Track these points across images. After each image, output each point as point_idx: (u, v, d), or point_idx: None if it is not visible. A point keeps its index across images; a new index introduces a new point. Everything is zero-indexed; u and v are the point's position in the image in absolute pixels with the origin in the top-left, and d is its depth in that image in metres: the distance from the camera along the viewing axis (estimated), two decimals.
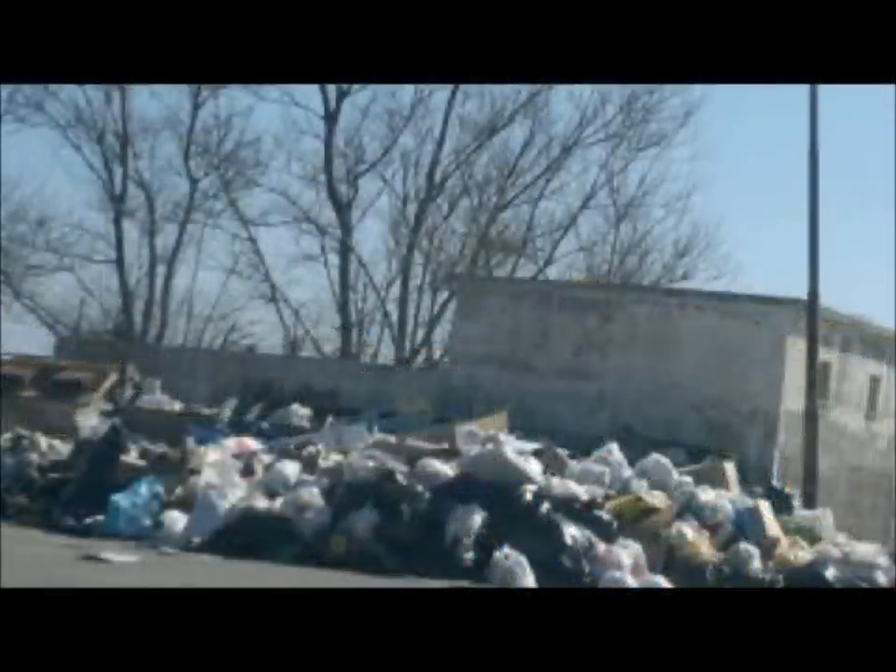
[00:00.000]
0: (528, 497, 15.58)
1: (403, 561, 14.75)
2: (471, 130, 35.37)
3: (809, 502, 19.68)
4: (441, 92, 34.79)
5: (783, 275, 48.74)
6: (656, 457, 18.01)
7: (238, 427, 20.10)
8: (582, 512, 15.68)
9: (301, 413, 21.19)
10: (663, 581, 14.90)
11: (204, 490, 15.84)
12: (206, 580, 12.67)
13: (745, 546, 16.04)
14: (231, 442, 17.95)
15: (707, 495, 17.20)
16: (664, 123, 35.65)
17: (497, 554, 14.65)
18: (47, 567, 12.91)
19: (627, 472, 17.58)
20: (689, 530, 16.04)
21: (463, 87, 34.21)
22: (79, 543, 14.60)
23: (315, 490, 15.79)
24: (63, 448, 18.12)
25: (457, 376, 22.92)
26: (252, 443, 18.06)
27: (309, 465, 16.83)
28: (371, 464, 16.14)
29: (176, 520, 15.58)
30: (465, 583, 13.92)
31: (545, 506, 15.45)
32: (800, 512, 18.80)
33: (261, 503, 15.77)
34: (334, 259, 35.33)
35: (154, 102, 41.95)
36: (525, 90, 34.50)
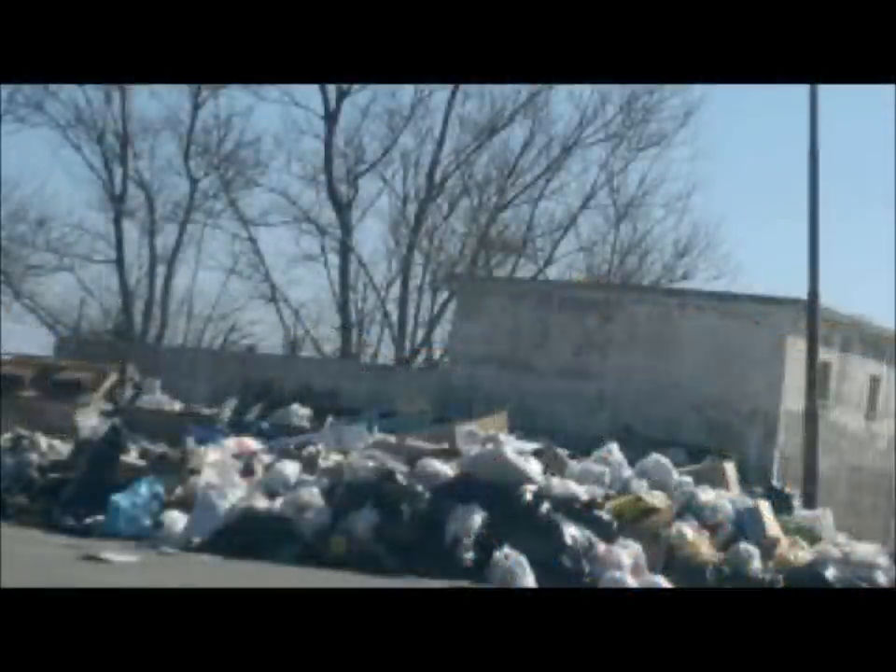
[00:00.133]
0: (528, 496, 15.58)
1: (403, 561, 14.74)
2: (471, 130, 35.38)
3: (809, 502, 19.67)
4: (441, 92, 34.82)
5: (783, 275, 48.80)
6: (656, 457, 18.00)
7: (238, 426, 20.09)
8: (582, 512, 15.67)
9: (301, 412, 21.18)
10: (663, 581, 14.90)
11: (204, 490, 15.84)
12: (206, 580, 12.66)
13: (745, 546, 16.03)
14: (231, 442, 17.94)
15: (706, 495, 17.19)
16: (664, 123, 35.67)
17: (497, 554, 14.65)
18: (47, 566, 12.90)
19: (627, 472, 17.58)
20: (689, 530, 16.04)
21: (463, 87, 34.19)
22: (79, 543, 14.59)
23: (315, 490, 15.78)
24: (63, 448, 18.11)
25: (457, 376, 22.90)
26: (252, 443, 18.05)
27: (309, 465, 16.82)
28: (371, 464, 16.13)
29: (176, 520, 15.57)
30: (465, 583, 13.91)
31: (545, 506, 15.44)
32: (800, 512, 18.79)
33: (261, 503, 15.76)
34: (334, 259, 35.35)
35: (154, 102, 42.01)
36: (525, 90, 34.49)
